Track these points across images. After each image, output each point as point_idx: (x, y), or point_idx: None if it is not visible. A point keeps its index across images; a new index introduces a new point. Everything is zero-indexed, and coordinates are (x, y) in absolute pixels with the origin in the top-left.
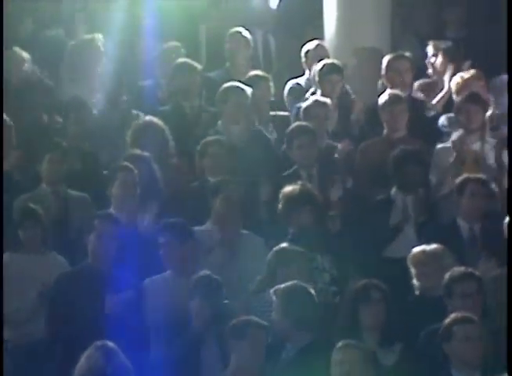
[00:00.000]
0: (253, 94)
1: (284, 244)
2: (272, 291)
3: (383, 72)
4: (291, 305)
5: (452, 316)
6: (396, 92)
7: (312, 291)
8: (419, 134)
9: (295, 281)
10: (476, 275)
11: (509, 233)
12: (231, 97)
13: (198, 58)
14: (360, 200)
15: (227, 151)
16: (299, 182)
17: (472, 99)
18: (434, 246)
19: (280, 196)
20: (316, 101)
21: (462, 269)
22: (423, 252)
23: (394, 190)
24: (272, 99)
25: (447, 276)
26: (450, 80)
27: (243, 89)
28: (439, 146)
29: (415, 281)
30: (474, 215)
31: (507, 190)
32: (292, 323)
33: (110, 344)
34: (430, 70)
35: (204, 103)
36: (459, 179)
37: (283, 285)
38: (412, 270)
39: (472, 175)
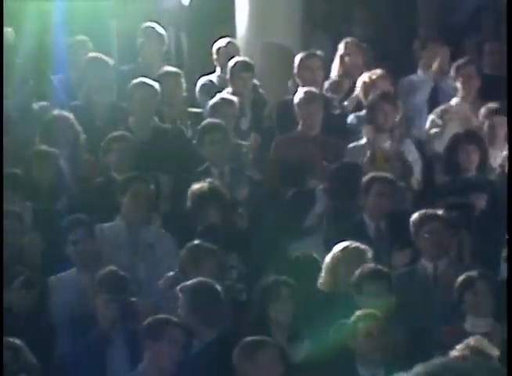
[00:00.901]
0: (165, 90)
1: (197, 241)
2: (178, 287)
3: (295, 70)
4: (196, 301)
5: (357, 312)
6: (312, 89)
7: (218, 288)
8: (330, 132)
9: (200, 278)
10: (385, 272)
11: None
12: (137, 93)
13: (109, 53)
14: (272, 196)
15: (133, 147)
16: (208, 180)
17: (386, 98)
18: (356, 243)
19: (189, 193)
20: (223, 99)
21: (372, 266)
22: (347, 248)
23: (318, 189)
24: (185, 95)
25: (357, 273)
26: (358, 79)
27: (150, 85)
28: (350, 145)
29: (329, 277)
30: (379, 213)
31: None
32: (197, 320)
33: (17, 341)
34: (339, 69)
35: (117, 99)
36: (365, 178)
37: (188, 282)
38: (330, 266)
39: (378, 174)
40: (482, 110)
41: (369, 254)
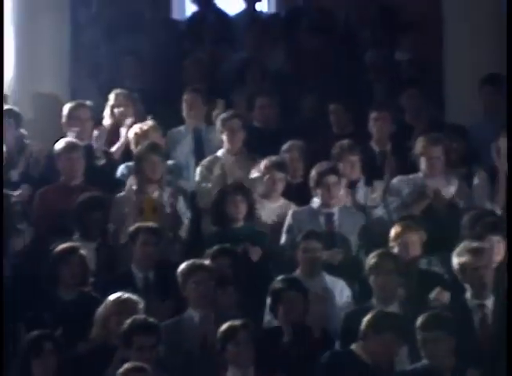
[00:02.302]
0: None
1: None
2: None
3: (63, 120)
4: None
5: (125, 365)
6: (72, 139)
7: None
8: (97, 182)
9: None
10: (154, 324)
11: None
12: None
13: None
14: (41, 249)
15: None
16: None
17: (153, 149)
18: (127, 294)
19: None
20: None
21: (141, 317)
22: (118, 300)
23: (76, 237)
24: None
25: (126, 324)
26: (128, 129)
27: None
28: (119, 194)
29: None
30: (146, 263)
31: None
32: None
33: None
34: (109, 119)
35: None
36: (131, 228)
37: None
38: (101, 318)
39: (143, 224)
40: (263, 163)
41: (141, 305)
